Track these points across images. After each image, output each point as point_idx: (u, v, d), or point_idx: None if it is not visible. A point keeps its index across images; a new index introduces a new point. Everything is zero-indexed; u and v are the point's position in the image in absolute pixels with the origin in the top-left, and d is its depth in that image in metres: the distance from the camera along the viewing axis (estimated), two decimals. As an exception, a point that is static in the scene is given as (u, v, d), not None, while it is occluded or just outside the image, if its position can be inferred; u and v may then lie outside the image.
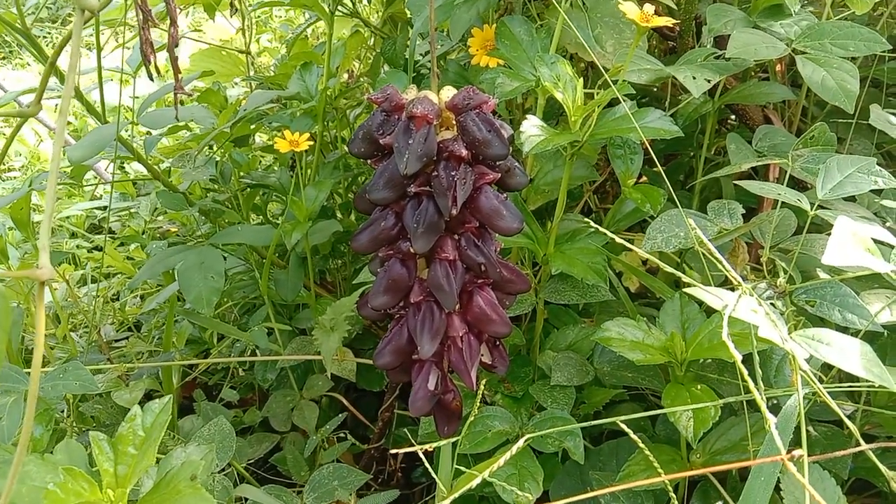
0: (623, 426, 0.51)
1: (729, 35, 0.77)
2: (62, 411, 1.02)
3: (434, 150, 0.47)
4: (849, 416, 0.70)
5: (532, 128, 0.71)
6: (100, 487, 0.52)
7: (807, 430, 0.61)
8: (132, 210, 1.52)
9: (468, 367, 0.52)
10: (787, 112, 1.02)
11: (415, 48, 0.95)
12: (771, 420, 0.39)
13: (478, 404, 0.62)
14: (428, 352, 0.50)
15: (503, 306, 0.54)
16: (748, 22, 0.82)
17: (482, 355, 0.55)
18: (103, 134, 0.86)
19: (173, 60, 0.53)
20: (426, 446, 0.56)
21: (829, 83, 0.73)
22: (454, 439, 0.57)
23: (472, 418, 0.64)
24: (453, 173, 0.47)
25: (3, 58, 3.43)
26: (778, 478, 0.52)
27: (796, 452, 0.39)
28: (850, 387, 0.60)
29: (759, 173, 0.92)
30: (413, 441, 0.68)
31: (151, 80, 0.54)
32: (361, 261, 1.19)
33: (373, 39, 1.31)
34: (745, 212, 0.76)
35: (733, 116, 1.04)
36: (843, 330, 0.55)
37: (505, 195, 0.51)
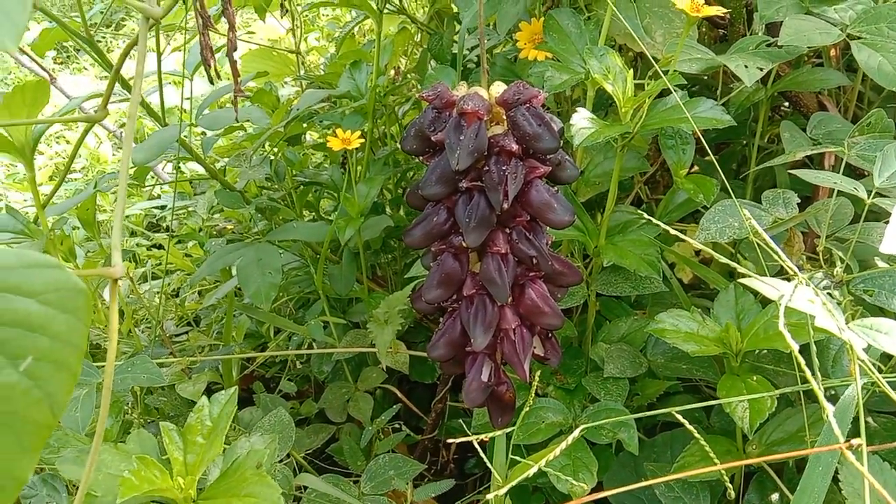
0: (679, 417, 0.51)
1: (781, 22, 0.76)
2: (128, 403, 1.06)
3: (485, 146, 0.48)
4: (910, 407, 0.69)
5: (582, 120, 0.71)
6: (170, 475, 0.55)
7: (865, 421, 0.60)
8: (190, 208, 1.56)
9: (521, 358, 0.52)
10: (843, 98, 1.00)
11: (463, 43, 0.96)
12: (829, 409, 0.39)
13: (532, 396, 0.62)
14: (481, 344, 0.51)
15: (555, 298, 0.55)
16: (801, 7, 0.81)
17: (535, 347, 0.56)
18: (165, 136, 0.89)
19: (233, 64, 0.55)
20: (481, 436, 0.57)
21: (886, 68, 0.71)
22: (508, 430, 0.58)
23: (525, 410, 0.64)
24: (504, 168, 0.48)
25: (62, 63, 3.54)
26: (837, 469, 0.52)
27: (855, 441, 0.39)
28: (911, 377, 0.59)
29: (813, 161, 0.90)
30: (467, 432, 0.69)
31: (212, 83, 0.56)
32: (411, 255, 1.20)
33: (419, 36, 1.33)
34: (800, 201, 0.75)
35: (787, 104, 1.03)
36: (904, 319, 0.54)
37: (556, 188, 0.52)
